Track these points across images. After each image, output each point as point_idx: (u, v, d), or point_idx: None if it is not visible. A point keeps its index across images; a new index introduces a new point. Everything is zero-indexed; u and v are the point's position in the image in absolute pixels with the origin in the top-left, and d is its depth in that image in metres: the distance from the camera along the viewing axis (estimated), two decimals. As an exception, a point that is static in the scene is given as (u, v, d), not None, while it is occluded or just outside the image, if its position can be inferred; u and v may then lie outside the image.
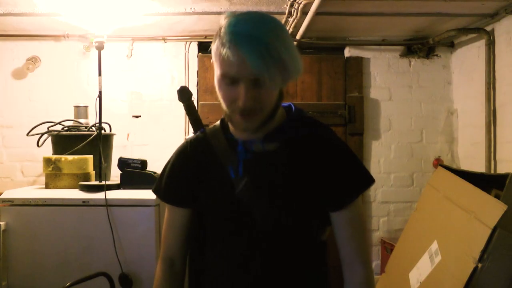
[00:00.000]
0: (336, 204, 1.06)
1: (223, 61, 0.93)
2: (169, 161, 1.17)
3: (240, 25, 0.92)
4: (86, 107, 2.76)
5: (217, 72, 0.98)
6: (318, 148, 1.06)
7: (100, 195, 2.08)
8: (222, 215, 1.09)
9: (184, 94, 1.10)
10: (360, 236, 1.07)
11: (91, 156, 2.37)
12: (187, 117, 2.99)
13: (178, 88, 1.10)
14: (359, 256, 1.06)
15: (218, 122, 1.15)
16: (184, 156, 1.14)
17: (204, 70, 3.11)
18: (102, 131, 2.41)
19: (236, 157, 1.06)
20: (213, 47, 0.97)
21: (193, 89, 3.09)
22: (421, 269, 2.06)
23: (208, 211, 1.11)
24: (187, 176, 1.12)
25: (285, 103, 1.12)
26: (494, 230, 1.72)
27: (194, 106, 1.13)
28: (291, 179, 1.04)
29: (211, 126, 1.16)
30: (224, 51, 0.91)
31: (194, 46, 3.12)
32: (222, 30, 0.93)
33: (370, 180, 1.08)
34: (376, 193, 3.21)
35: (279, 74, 0.94)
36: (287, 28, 2.82)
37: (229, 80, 0.94)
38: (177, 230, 1.16)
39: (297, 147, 1.06)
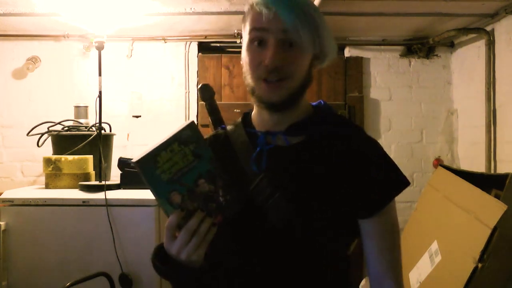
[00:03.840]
0: (368, 209, 0.92)
1: (253, 16, 0.89)
2: None
3: None
4: (86, 107, 2.76)
5: (245, 37, 0.92)
6: (347, 146, 0.93)
7: (100, 195, 2.08)
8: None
9: (206, 92, 1.03)
10: (392, 250, 0.94)
11: (91, 156, 2.37)
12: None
13: (199, 86, 0.99)
14: (390, 272, 0.93)
15: (239, 118, 1.05)
16: None
17: (204, 70, 3.10)
18: (102, 131, 2.41)
19: (255, 151, 0.94)
20: (244, 16, 0.93)
21: (193, 89, 3.09)
22: (421, 269, 2.06)
23: None
24: None
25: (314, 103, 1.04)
26: (494, 230, 1.72)
27: (217, 106, 1.05)
28: (317, 179, 0.91)
29: (231, 122, 1.07)
30: (257, 6, 0.87)
31: (194, 46, 3.12)
32: None
33: (403, 182, 0.95)
34: (376, 193, 3.20)
35: (312, 39, 0.88)
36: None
37: (257, 40, 0.88)
38: None
39: (324, 144, 0.94)
